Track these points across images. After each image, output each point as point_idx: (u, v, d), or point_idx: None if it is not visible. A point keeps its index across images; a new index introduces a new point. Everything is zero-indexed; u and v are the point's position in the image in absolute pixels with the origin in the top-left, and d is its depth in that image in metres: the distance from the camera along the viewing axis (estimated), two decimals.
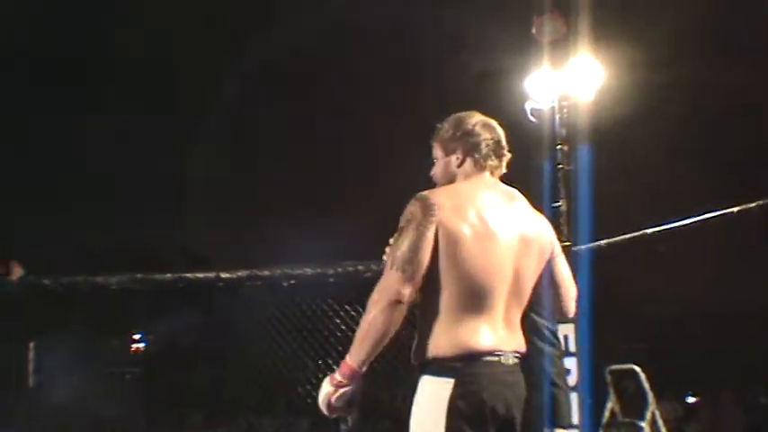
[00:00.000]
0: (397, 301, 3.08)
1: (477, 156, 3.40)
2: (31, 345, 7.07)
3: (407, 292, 3.10)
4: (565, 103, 9.18)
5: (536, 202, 3.49)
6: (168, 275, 7.01)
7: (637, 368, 8.34)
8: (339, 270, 6.71)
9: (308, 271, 6.87)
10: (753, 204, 5.92)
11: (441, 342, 3.16)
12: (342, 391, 3.17)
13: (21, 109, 35.40)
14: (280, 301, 7.62)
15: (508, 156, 3.47)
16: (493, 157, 3.41)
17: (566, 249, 6.41)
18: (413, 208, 3.21)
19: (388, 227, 3.31)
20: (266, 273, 6.94)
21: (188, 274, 6.99)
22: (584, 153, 8.80)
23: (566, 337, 6.19)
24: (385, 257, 3.23)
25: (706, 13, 23.81)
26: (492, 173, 3.42)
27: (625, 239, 6.73)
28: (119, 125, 38.45)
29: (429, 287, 3.18)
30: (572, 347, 6.28)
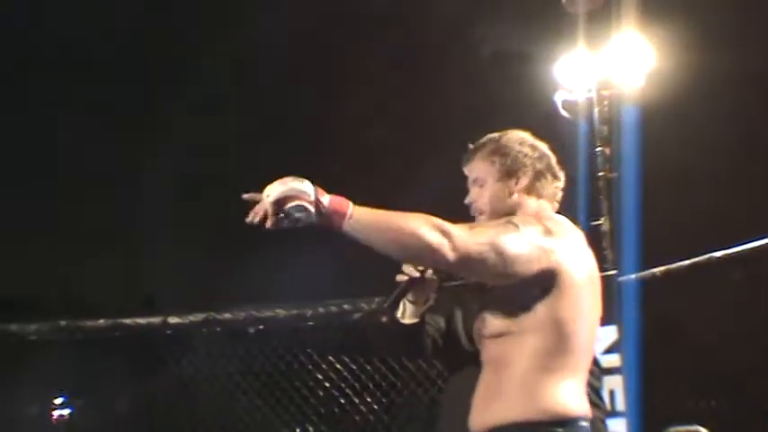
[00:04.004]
0: (442, 257, 3.04)
1: (542, 181, 3.54)
2: None
3: (458, 265, 3.10)
4: (605, 93, 9.19)
5: (571, 220, 3.55)
6: (101, 321, 7.01)
7: (703, 430, 8.34)
8: (320, 311, 6.69)
9: (281, 313, 6.86)
10: None
11: (542, 401, 3.23)
12: (305, 213, 3.05)
13: None
14: (245, 353, 7.63)
15: (562, 184, 3.63)
16: (553, 185, 3.58)
17: (609, 279, 6.45)
18: (531, 224, 3.28)
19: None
20: (227, 316, 6.93)
21: (127, 320, 6.98)
22: (630, 157, 8.82)
23: (611, 393, 6.21)
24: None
25: None
26: (551, 203, 3.57)
27: (686, 266, 6.74)
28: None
29: (539, 334, 3.26)
30: (620, 406, 6.29)
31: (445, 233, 3.02)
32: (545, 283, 3.23)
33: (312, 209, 3.04)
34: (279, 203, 3.05)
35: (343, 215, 3.05)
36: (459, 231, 3.06)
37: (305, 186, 3.06)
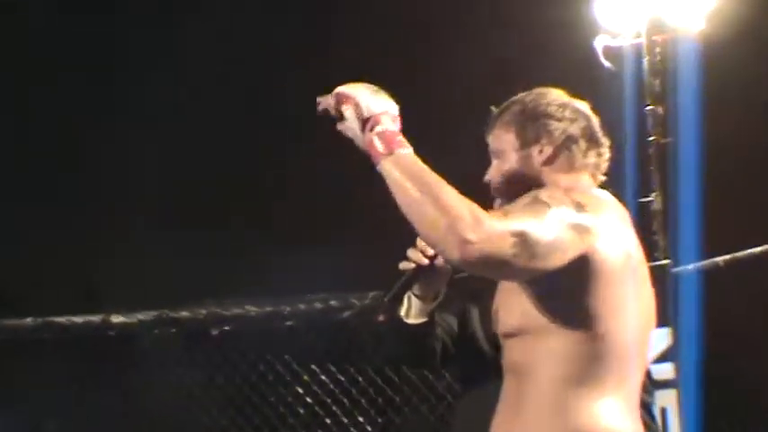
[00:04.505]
0: (460, 252, 2.92)
1: (573, 149, 3.42)
2: None
3: (477, 265, 3.00)
4: (657, 39, 9.17)
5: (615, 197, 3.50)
6: (29, 320, 7.00)
7: None
8: (301, 308, 6.68)
9: (253, 311, 6.84)
10: None
11: (575, 422, 3.13)
12: (352, 121, 3.14)
13: None
14: (207, 360, 7.64)
15: (608, 153, 3.51)
16: (592, 154, 3.46)
17: (661, 270, 6.44)
18: (561, 201, 3.16)
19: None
20: (184, 314, 6.92)
21: (60, 318, 6.97)
22: (689, 118, 8.82)
23: (663, 412, 6.22)
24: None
25: None
26: (593, 176, 3.46)
27: (756, 254, 6.74)
28: None
29: (565, 333, 3.16)
30: (672, 427, 6.31)
31: (481, 229, 2.91)
32: (573, 270, 3.11)
33: (357, 123, 3.11)
34: (338, 98, 3.15)
35: (389, 151, 3.04)
36: (493, 228, 2.95)
37: (370, 98, 3.13)
